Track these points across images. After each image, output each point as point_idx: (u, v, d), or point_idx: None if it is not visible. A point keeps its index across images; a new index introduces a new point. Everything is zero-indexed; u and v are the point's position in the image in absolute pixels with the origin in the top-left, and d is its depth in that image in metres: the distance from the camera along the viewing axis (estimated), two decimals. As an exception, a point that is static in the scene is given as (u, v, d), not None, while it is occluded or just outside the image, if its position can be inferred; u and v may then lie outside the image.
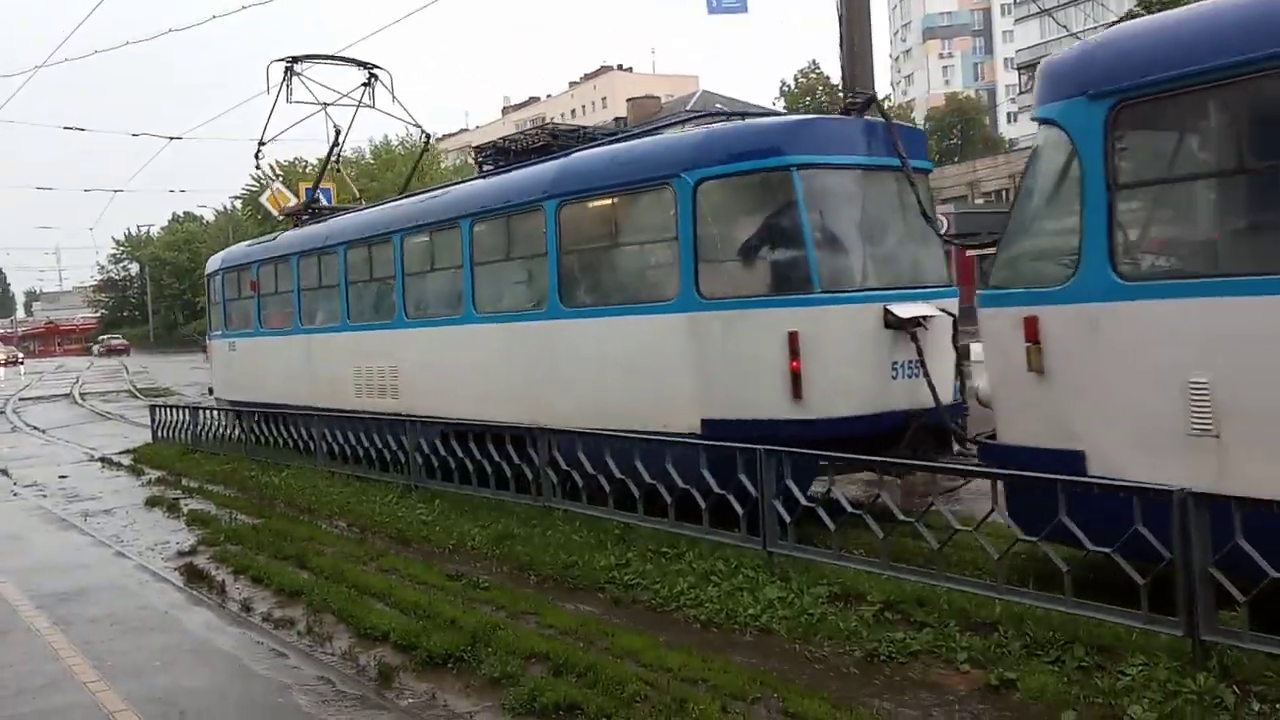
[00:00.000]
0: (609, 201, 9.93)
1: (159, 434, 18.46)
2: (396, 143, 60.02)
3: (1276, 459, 5.22)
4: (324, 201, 19.67)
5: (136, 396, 32.97)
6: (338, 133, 18.20)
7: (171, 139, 29.04)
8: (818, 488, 7.25)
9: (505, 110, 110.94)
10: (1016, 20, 73.23)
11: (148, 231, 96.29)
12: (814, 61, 61.19)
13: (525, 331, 10.64)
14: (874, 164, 8.97)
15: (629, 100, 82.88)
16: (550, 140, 11.75)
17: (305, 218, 17.19)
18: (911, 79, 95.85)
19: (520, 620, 6.78)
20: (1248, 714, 4.64)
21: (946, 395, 8.55)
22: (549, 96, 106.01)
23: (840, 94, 14.80)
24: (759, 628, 6.35)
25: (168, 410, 18.60)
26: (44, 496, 13.57)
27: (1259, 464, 5.28)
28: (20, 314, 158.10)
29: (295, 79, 16.99)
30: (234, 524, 10.50)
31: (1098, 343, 5.98)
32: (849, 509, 6.83)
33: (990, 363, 6.87)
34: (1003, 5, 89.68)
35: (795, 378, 8.34)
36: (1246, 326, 5.35)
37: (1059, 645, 5.50)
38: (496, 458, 10.02)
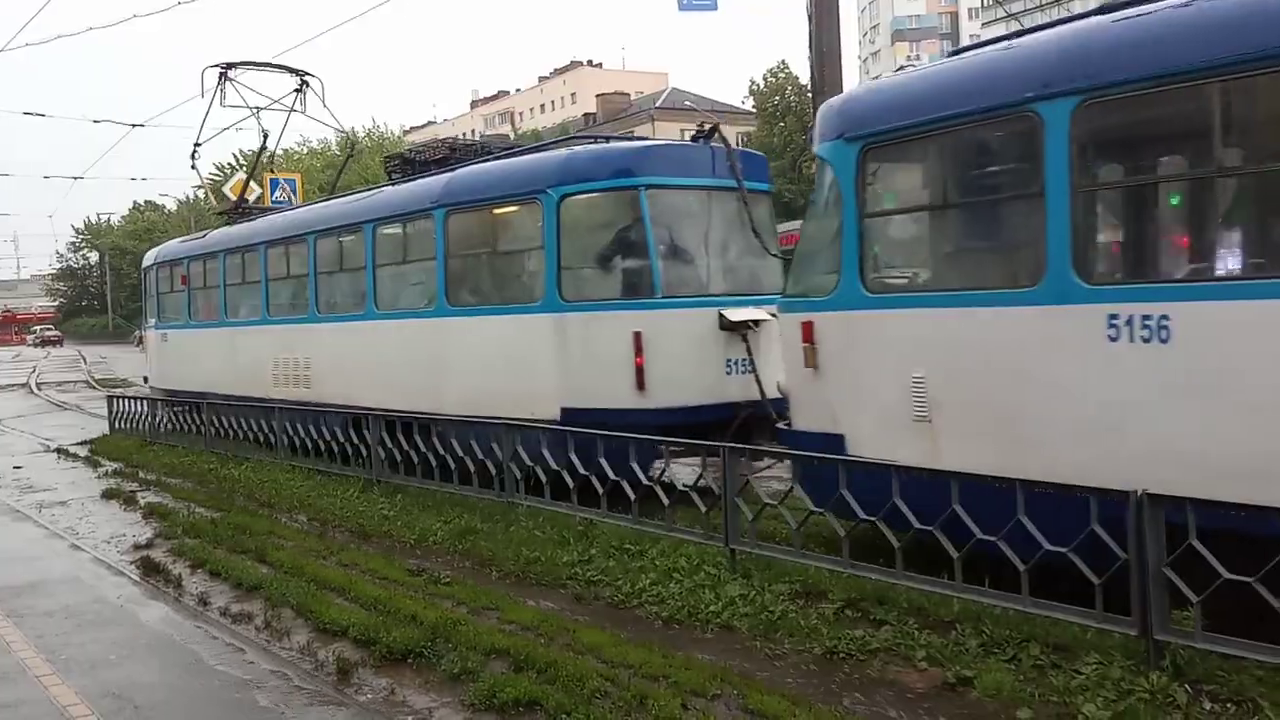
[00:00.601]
0: (488, 212, 11.05)
1: (117, 425, 18.24)
2: (363, 134, 59.62)
3: (969, 440, 6.47)
4: (290, 195, 20.44)
5: (94, 387, 32.51)
6: (265, 136, 19.28)
7: (134, 126, 28.61)
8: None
9: (474, 104, 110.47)
10: (984, 24, 73.85)
11: (108, 220, 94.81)
12: (783, 61, 61.29)
13: (418, 328, 11.66)
14: (715, 185, 10.19)
15: (598, 96, 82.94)
16: (449, 153, 12.85)
17: (235, 216, 18.26)
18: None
19: (481, 616, 6.75)
20: (1199, 713, 4.72)
21: (775, 389, 9.20)
22: (518, 91, 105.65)
23: (809, 94, 14.92)
24: (720, 624, 6.37)
25: (126, 401, 18.39)
26: None
27: (957, 443, 6.53)
28: None
29: (229, 84, 18.05)
30: (192, 517, 10.38)
31: (851, 344, 7.24)
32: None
33: (785, 360, 7.98)
34: (970, 9, 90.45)
35: (639, 372, 9.49)
36: (949, 333, 6.63)
37: (1016, 643, 5.56)
38: (460, 451, 9.97)
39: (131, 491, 12.23)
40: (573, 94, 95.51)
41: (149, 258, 20.18)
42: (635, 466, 8.09)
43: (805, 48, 14.09)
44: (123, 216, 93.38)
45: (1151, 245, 6.57)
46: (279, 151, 53.41)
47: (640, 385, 9.46)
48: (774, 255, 10.42)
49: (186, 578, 8.26)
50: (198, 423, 15.35)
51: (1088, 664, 5.22)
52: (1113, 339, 5.72)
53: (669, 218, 10.04)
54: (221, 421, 14.74)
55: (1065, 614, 5.49)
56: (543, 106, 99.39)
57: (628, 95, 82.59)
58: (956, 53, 7.48)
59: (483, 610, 6.88)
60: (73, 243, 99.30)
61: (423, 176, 12.42)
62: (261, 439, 13.74)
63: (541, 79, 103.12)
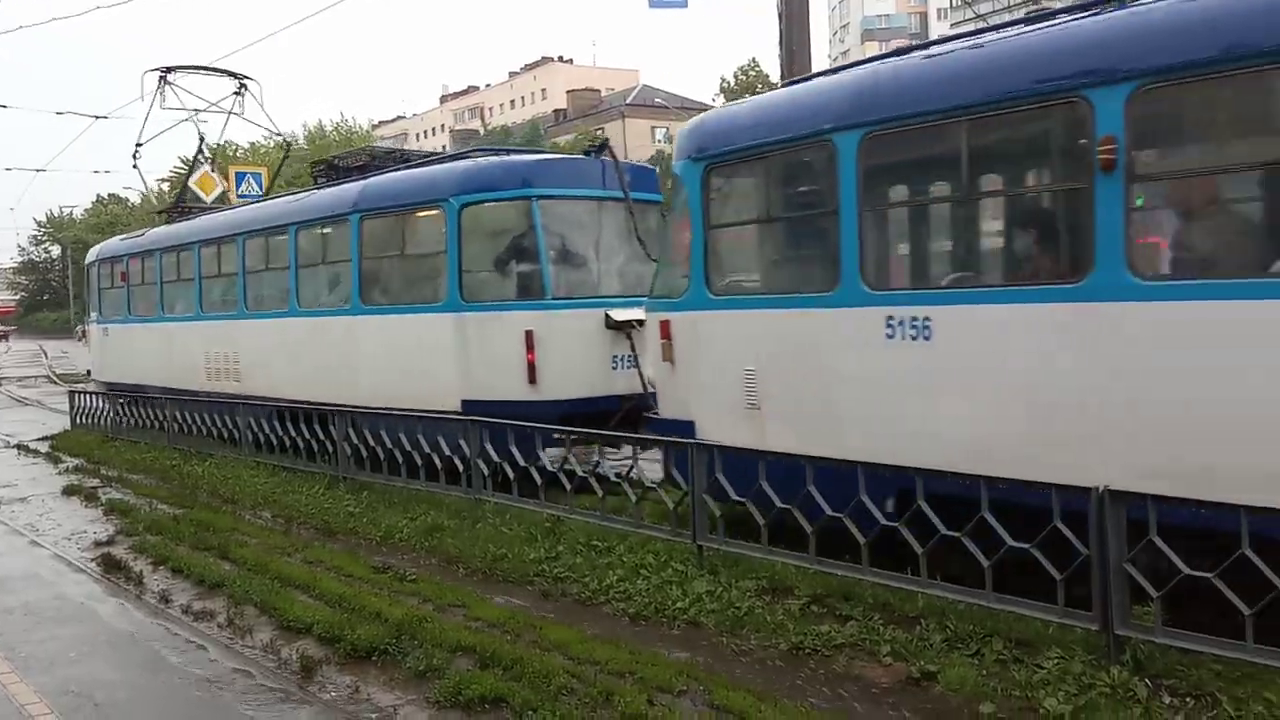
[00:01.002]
0: (398, 218, 11.68)
1: (78, 420, 18.03)
2: (330, 128, 59.15)
3: (786, 424, 7.45)
4: (254, 189, 20.92)
5: (55, 382, 32.06)
6: (201, 139, 20.17)
7: (96, 118, 28.21)
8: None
9: (444, 99, 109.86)
10: (952, 25, 74.32)
11: (71, 213, 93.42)
12: (754, 59, 61.53)
13: (334, 325, 12.30)
14: (605, 196, 10.90)
15: (568, 92, 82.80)
16: (369, 160, 13.57)
17: (175, 215, 18.70)
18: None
19: (448, 613, 6.73)
20: (1159, 707, 4.78)
21: None
22: (488, 86, 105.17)
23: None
24: (688, 621, 6.38)
25: (87, 397, 18.17)
26: None
27: (778, 427, 7.50)
28: None
29: (169, 87, 18.87)
30: (154, 514, 10.25)
31: (698, 341, 8.19)
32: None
33: (650, 355, 9.02)
34: (939, 9, 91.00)
35: (531, 367, 10.21)
36: (771, 332, 7.60)
37: (979, 638, 5.61)
38: (427, 448, 9.91)
39: (93, 488, 12.07)
40: (543, 90, 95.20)
41: (91, 254, 20.59)
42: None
43: (776, 45, 14.14)
44: (85, 210, 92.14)
45: (919, 258, 7.78)
46: (243, 146, 52.82)
47: (532, 379, 10.18)
48: (656, 260, 10.94)
49: (148, 575, 8.17)
50: (158, 418, 15.18)
51: (1049, 659, 5.28)
52: (889, 337, 6.74)
53: (559, 225, 10.79)
54: (182, 417, 14.64)
55: (1028, 609, 5.55)
56: (513, 102, 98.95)
57: (598, 92, 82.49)
58: (791, 83, 8.69)
59: (449, 607, 6.85)
60: (34, 236, 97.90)
61: (345, 182, 13.03)
62: (225, 435, 13.61)
63: (512, 74, 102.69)
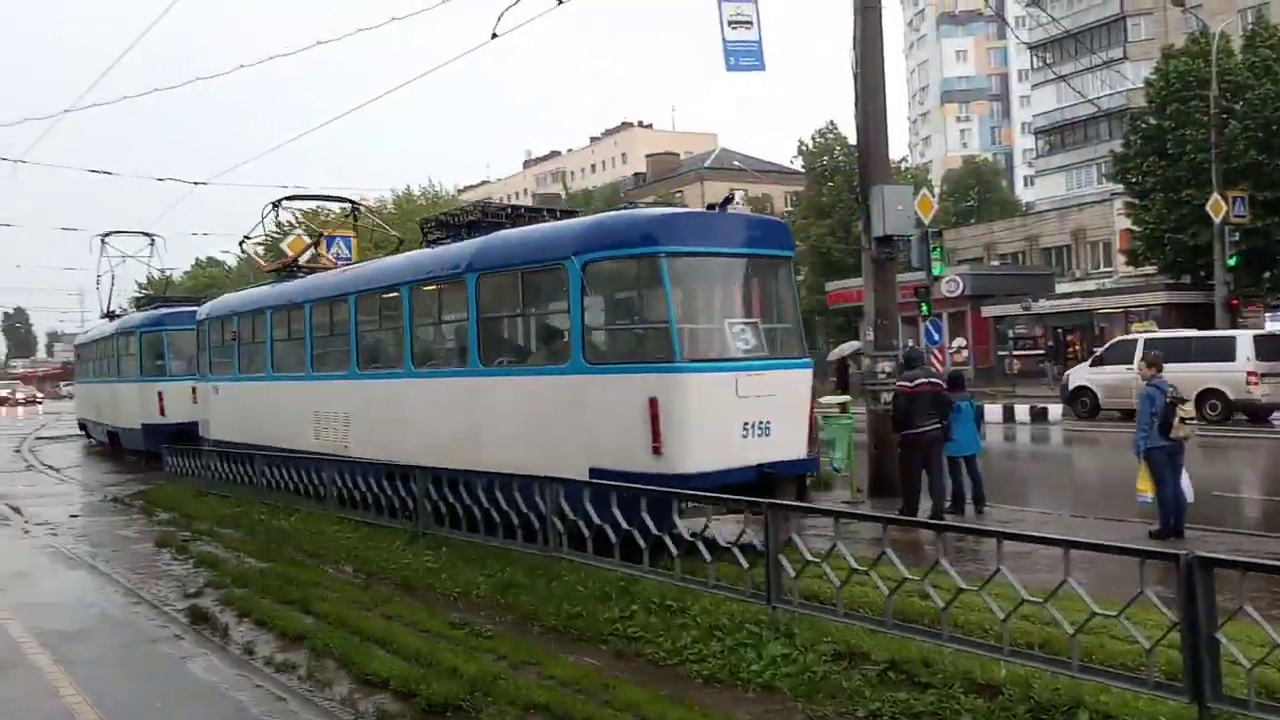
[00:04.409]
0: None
1: (172, 475, 18.59)
2: (419, 192, 60.61)
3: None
4: (345, 253, 22.28)
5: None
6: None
7: (196, 184, 29.37)
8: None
9: (526, 164, 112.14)
10: (1033, 86, 73.81)
11: (169, 275, 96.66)
12: (831, 122, 61.67)
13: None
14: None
15: (648, 156, 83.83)
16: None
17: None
18: (929, 141, 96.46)
19: (522, 670, 6.74)
20: (1254, 784, 4.57)
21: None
22: (569, 151, 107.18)
23: (856, 154, 15.06)
24: (762, 684, 6.29)
25: (180, 453, 18.77)
26: (54, 535, 13.64)
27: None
28: (41, 354, 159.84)
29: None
30: (241, 567, 10.51)
31: None
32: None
33: None
34: (1020, 71, 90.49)
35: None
36: None
37: (1064, 710, 5.43)
38: (504, 505, 10.01)
39: (184, 540, 12.43)
40: (623, 154, 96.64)
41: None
42: (647, 519, 8.33)
43: (852, 107, 14.23)
44: (185, 272, 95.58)
45: None
46: (371, 201, 54.72)
47: (656, 450, 9.51)
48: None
49: (233, 627, 8.35)
50: (249, 474, 15.59)
51: (1138, 732, 5.09)
52: None
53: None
54: (272, 473, 14.97)
55: (1116, 681, 5.38)
56: (594, 166, 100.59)
57: (677, 155, 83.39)
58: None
59: (523, 664, 6.87)
60: (136, 297, 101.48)
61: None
62: (309, 490, 13.91)
63: (593, 139, 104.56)
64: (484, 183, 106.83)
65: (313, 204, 22.40)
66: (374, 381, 13.76)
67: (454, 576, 9.41)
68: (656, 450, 9.49)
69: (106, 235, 28.32)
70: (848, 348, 17.84)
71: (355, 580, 9.94)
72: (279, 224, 22.65)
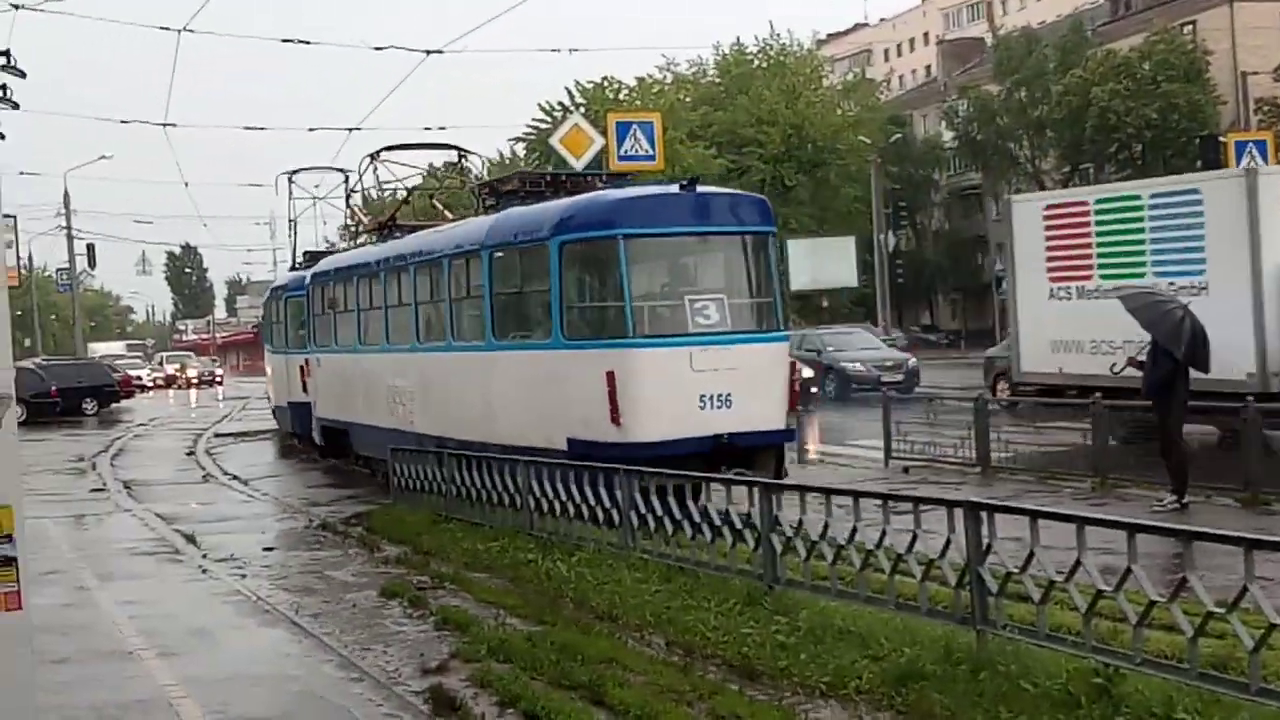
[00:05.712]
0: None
1: (400, 487, 13.21)
2: (755, 49, 50.86)
3: None
4: (645, 149, 18.46)
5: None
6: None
7: (429, 53, 21.40)
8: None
9: None
10: None
11: (392, 193, 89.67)
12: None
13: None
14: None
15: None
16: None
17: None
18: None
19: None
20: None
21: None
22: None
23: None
24: None
25: (413, 460, 13.12)
26: (242, 576, 10.12)
27: None
28: (220, 312, 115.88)
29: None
30: (502, 631, 7.46)
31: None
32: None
33: None
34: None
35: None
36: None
37: None
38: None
39: (420, 589, 9.12)
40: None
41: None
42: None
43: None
44: (412, 189, 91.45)
45: None
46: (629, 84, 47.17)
47: (615, 420, 10.35)
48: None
49: (493, 719, 5.84)
50: (507, 489, 10.81)
51: None
52: None
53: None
54: (534, 488, 10.38)
55: None
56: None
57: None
58: None
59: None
60: (349, 226, 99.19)
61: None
62: (596, 515, 10.22)
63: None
64: (858, 27, 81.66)
65: (411, 154, 19.75)
66: (428, 355, 14.02)
67: (819, 657, 6.14)
68: (615, 421, 10.33)
69: (294, 173, 24.37)
70: None
71: (668, 658, 6.76)
72: (378, 180, 19.69)
